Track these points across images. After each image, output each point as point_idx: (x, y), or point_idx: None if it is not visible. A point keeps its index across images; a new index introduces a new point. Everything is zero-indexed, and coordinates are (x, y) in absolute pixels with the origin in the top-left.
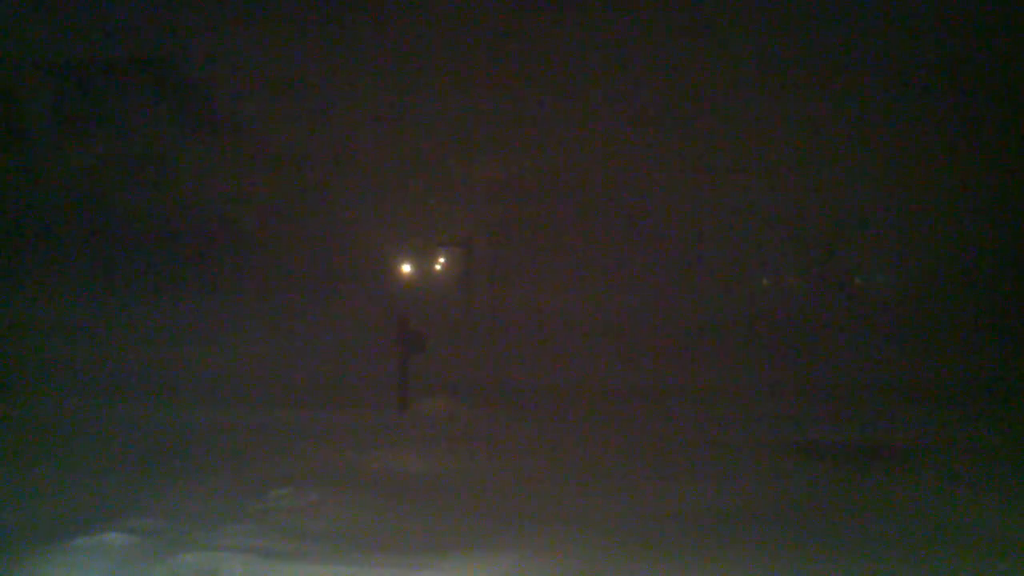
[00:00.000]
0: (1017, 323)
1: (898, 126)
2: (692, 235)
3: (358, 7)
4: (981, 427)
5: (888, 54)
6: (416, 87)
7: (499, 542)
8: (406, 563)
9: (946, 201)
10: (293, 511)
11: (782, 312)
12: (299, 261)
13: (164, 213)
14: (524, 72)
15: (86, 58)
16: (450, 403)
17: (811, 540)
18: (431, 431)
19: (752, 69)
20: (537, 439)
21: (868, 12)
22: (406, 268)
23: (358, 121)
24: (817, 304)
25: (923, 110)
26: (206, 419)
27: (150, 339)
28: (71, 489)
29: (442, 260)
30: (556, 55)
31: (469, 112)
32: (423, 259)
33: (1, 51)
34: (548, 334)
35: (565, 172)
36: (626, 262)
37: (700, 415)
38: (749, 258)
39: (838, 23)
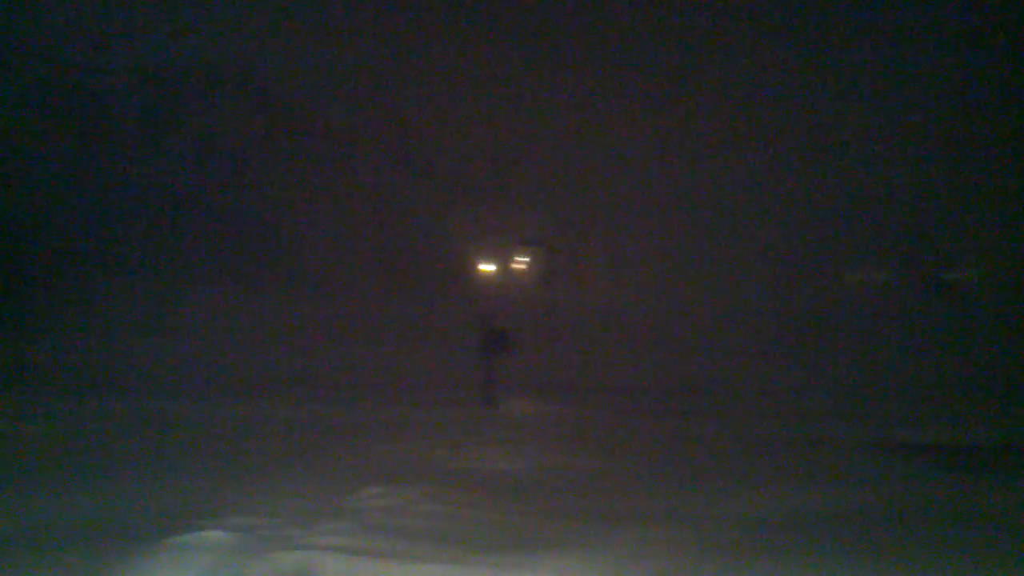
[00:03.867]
0: None
1: (994, 108)
2: (775, 230)
3: (436, 4)
4: None
5: (980, 30)
6: (496, 85)
7: (593, 542)
8: (501, 562)
9: None
10: (387, 509)
11: (871, 308)
12: (383, 261)
13: (246, 215)
14: (605, 70)
15: (171, 63)
16: (537, 401)
17: (919, 545)
18: (519, 429)
19: (839, 49)
20: (627, 437)
21: None
22: (489, 268)
23: (439, 120)
24: (907, 300)
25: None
26: (296, 416)
27: (234, 338)
28: (170, 486)
29: (524, 259)
30: (638, 53)
31: (550, 110)
32: (505, 258)
33: (90, 57)
34: (631, 332)
35: (645, 168)
36: (709, 259)
37: (794, 412)
38: (836, 253)
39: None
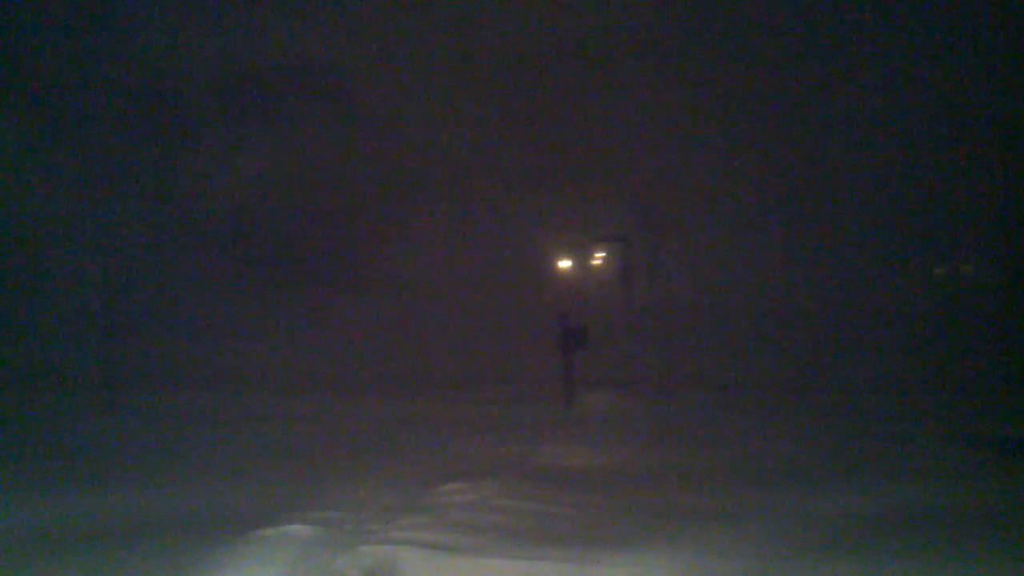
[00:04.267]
0: None
1: None
2: (859, 221)
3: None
4: None
5: None
6: (571, 79)
7: (672, 538)
8: (580, 558)
9: None
10: (467, 505)
11: (955, 302)
12: (456, 257)
13: (323, 214)
14: (685, 62)
15: (249, 65)
16: (615, 398)
17: (999, 544)
18: (598, 426)
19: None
20: (705, 433)
21: None
22: (564, 264)
23: (513, 116)
24: (993, 293)
25: None
26: (375, 412)
27: (311, 337)
28: (251, 481)
29: (600, 255)
30: (717, 51)
31: (626, 105)
32: (581, 255)
33: (168, 60)
34: (710, 327)
35: (721, 163)
36: (787, 253)
37: (873, 408)
38: (921, 245)
39: None
